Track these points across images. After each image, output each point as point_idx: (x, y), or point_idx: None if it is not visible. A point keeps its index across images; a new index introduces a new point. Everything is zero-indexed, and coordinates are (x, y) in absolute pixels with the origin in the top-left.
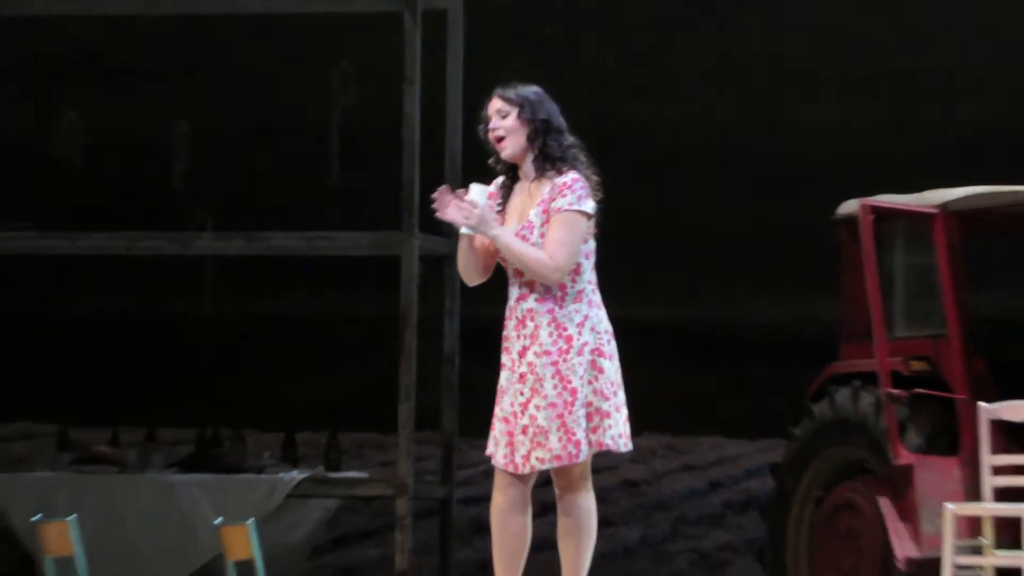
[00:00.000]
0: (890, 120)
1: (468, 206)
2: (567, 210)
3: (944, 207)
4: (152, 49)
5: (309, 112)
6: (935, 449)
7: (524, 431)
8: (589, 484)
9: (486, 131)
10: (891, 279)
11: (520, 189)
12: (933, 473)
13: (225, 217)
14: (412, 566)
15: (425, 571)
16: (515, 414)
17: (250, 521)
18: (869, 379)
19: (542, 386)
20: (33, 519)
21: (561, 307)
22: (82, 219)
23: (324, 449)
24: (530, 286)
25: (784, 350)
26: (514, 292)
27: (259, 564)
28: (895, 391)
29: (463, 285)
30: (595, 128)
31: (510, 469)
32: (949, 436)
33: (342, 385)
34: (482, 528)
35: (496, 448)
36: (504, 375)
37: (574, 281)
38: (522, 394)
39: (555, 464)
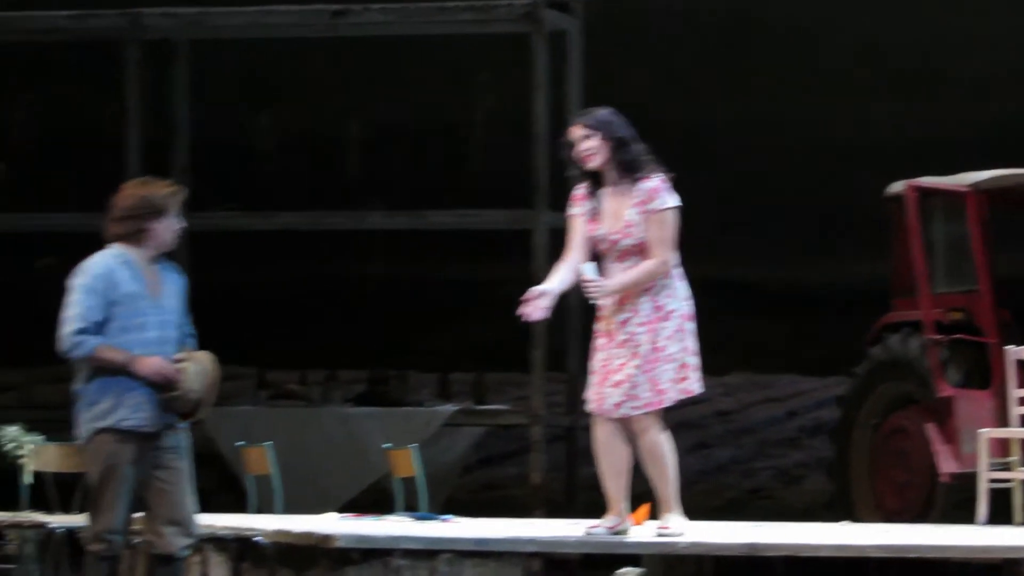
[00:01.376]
0: (932, 115)
1: (595, 287)
2: (663, 209)
3: (975, 186)
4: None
5: (458, 113)
6: (971, 384)
7: (617, 385)
8: (660, 417)
9: (571, 151)
10: (932, 245)
11: (606, 193)
12: (969, 404)
13: (392, 198)
14: (544, 481)
15: (555, 485)
16: (610, 371)
17: (413, 445)
18: (916, 327)
19: (638, 350)
20: (237, 444)
21: (658, 287)
22: (274, 202)
23: (472, 386)
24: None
25: (846, 303)
26: (615, 275)
27: (421, 481)
28: (937, 336)
29: None
30: (685, 126)
31: (600, 413)
32: (982, 373)
33: (486, 334)
34: None
35: (591, 398)
36: (600, 340)
37: None
38: (620, 357)
39: (644, 411)
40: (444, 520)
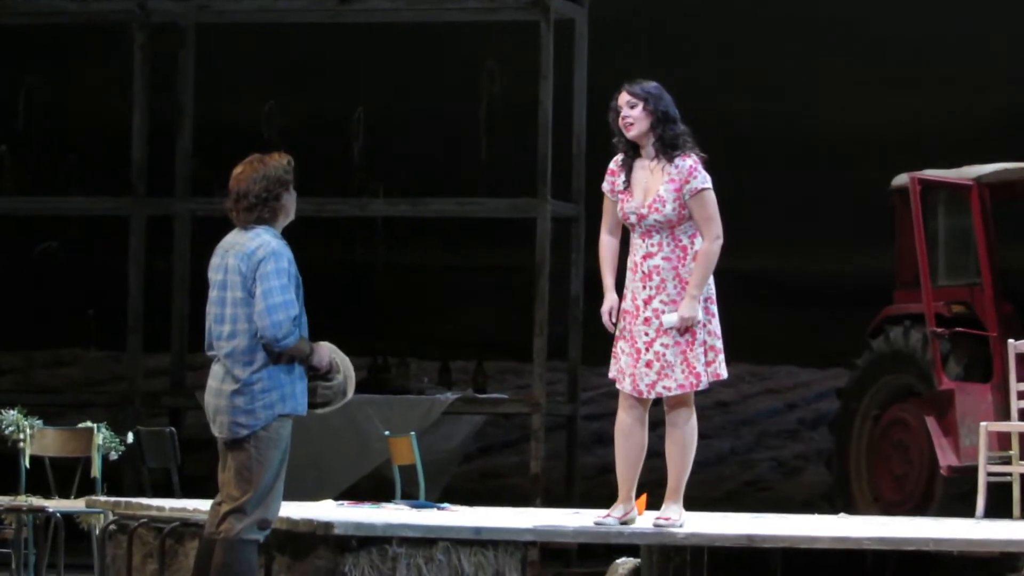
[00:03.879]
0: (935, 110)
1: (682, 323)
2: (702, 189)
3: (978, 179)
4: (336, 50)
5: (462, 101)
6: (972, 377)
7: (649, 364)
8: (693, 406)
9: (616, 117)
10: (935, 238)
11: (640, 166)
12: (970, 397)
13: (394, 186)
14: (544, 470)
15: (554, 474)
16: (639, 350)
17: (412, 433)
18: (917, 319)
19: (672, 329)
20: None
21: (683, 265)
22: None
23: (473, 375)
24: (658, 246)
25: (847, 295)
26: (640, 251)
27: (420, 468)
28: (939, 329)
29: (587, 241)
30: (689, 116)
31: (635, 394)
32: (983, 366)
33: (487, 322)
34: (602, 439)
35: (622, 377)
36: (627, 319)
37: (692, 244)
38: (647, 334)
39: (679, 392)
40: (442, 508)
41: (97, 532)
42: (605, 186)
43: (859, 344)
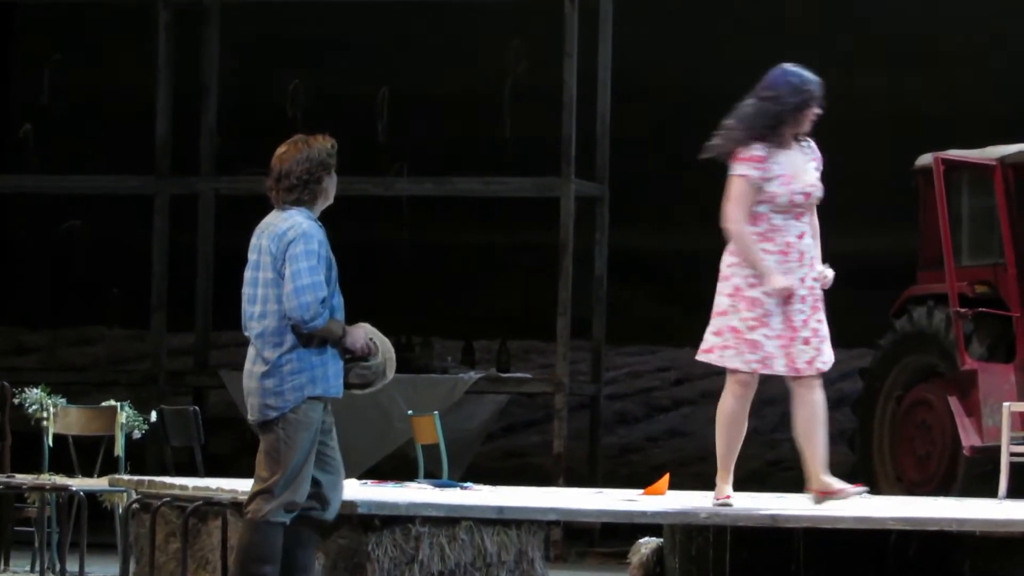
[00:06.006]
0: (960, 89)
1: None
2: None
3: (1002, 160)
4: (361, 28)
5: (488, 79)
6: (995, 357)
7: (807, 342)
8: None
9: (799, 109)
10: (959, 218)
11: (786, 153)
12: (993, 377)
13: (418, 164)
14: (567, 449)
15: (577, 454)
16: (795, 328)
17: (436, 412)
18: (941, 299)
19: (820, 305)
20: None
21: (816, 240)
22: None
23: (496, 354)
24: (808, 225)
25: (871, 274)
26: (793, 231)
27: (443, 447)
28: (962, 309)
29: (610, 220)
30: (714, 95)
31: (793, 373)
32: (1006, 346)
33: (511, 301)
34: (625, 419)
35: (771, 361)
36: (767, 305)
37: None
38: (803, 312)
39: (829, 366)
40: (465, 488)
41: (120, 511)
42: (754, 173)
43: (883, 324)
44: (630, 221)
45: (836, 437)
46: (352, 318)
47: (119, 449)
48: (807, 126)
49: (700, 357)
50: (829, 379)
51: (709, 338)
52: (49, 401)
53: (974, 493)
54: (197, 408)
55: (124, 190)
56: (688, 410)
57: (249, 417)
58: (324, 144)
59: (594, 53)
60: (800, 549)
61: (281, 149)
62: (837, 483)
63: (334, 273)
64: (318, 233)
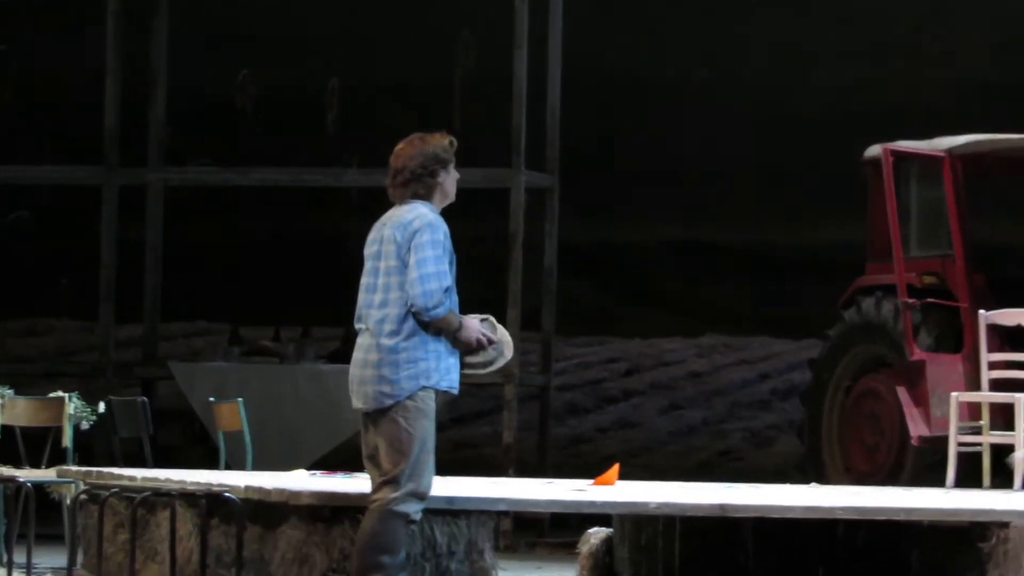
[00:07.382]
0: (908, 82)
1: None
2: None
3: (951, 151)
4: (311, 19)
5: (436, 71)
6: (943, 348)
7: None
8: None
9: None
10: (907, 209)
11: None
12: (941, 367)
13: (368, 156)
14: (516, 440)
15: (527, 444)
16: None
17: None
18: (889, 290)
19: None
20: (209, 400)
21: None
22: (252, 158)
23: None
24: None
25: (819, 266)
26: None
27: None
28: (910, 300)
29: (560, 212)
30: (662, 87)
31: None
32: (954, 337)
33: (461, 292)
34: (575, 410)
35: None
36: None
37: None
38: None
39: None
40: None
41: (68, 502)
42: None
43: (832, 315)
44: (580, 213)
45: (785, 428)
46: (300, 309)
47: (67, 440)
48: None
49: None
50: (778, 369)
51: None
52: None
53: (922, 483)
54: (146, 399)
55: (72, 181)
56: (638, 400)
57: (362, 406)
58: (441, 141)
59: (544, 45)
60: (749, 539)
61: (399, 146)
62: None
63: (454, 267)
64: (443, 225)
